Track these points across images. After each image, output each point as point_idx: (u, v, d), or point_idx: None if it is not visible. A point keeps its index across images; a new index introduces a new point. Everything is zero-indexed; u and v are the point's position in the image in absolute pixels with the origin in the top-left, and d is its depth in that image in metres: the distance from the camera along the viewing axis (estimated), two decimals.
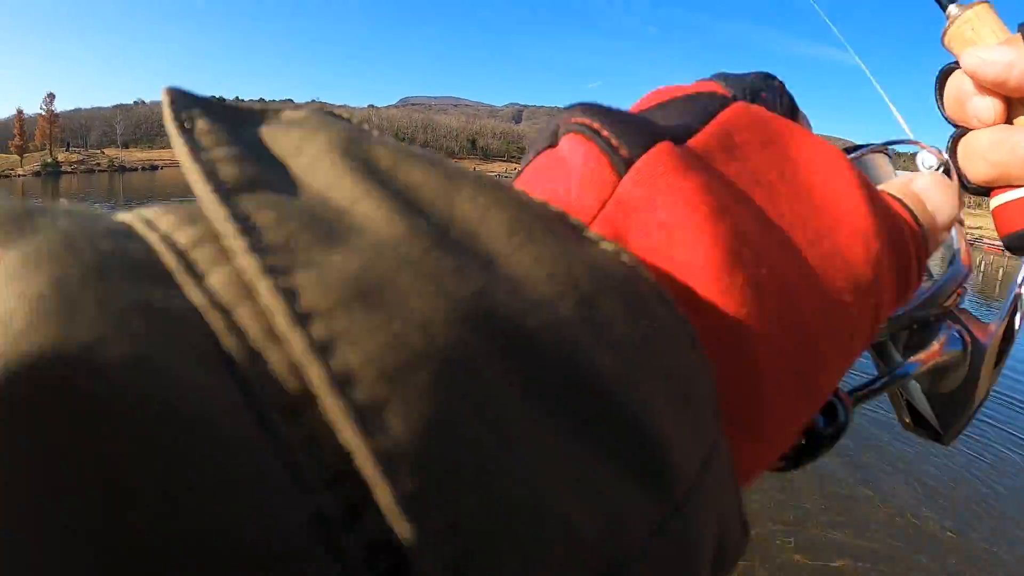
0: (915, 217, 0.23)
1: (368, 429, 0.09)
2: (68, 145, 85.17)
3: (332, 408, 0.09)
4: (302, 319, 0.09)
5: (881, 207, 0.21)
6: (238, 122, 0.13)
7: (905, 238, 0.22)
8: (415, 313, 0.10)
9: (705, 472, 0.14)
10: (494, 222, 0.12)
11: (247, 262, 0.09)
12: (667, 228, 0.16)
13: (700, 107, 0.20)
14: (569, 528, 0.10)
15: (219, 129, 0.12)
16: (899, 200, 0.23)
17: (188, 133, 0.12)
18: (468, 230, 0.12)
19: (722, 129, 0.19)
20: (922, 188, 0.24)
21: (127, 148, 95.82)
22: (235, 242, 0.10)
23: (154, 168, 73.36)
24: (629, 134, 0.17)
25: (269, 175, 0.11)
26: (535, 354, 0.11)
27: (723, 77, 0.22)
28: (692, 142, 0.18)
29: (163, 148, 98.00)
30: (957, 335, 0.39)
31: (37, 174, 58.92)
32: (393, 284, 0.10)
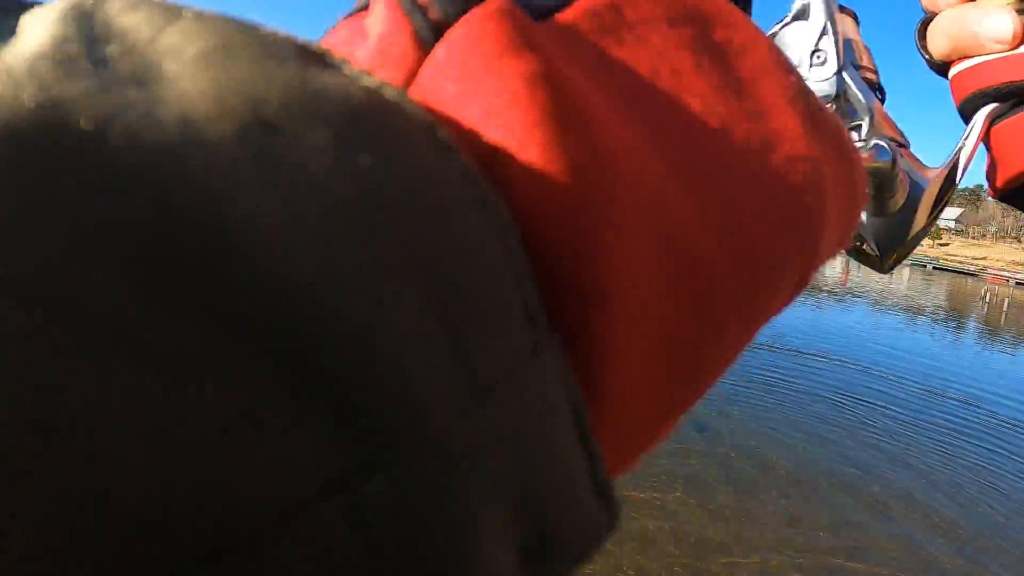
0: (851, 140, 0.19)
1: None
2: None
3: None
4: None
5: (827, 121, 0.17)
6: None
7: (855, 161, 0.19)
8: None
9: (474, 413, 0.10)
10: (190, 49, 0.10)
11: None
12: (484, 123, 0.12)
13: None
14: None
15: None
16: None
17: None
18: (150, 61, 0.10)
19: (607, 1, 0.15)
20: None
21: None
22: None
23: None
24: None
25: None
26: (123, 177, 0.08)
27: None
28: (560, 16, 0.14)
29: None
30: (886, 147, 0.42)
31: None
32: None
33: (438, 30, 0.12)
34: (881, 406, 9.44)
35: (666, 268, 0.13)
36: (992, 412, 9.62)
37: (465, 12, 0.12)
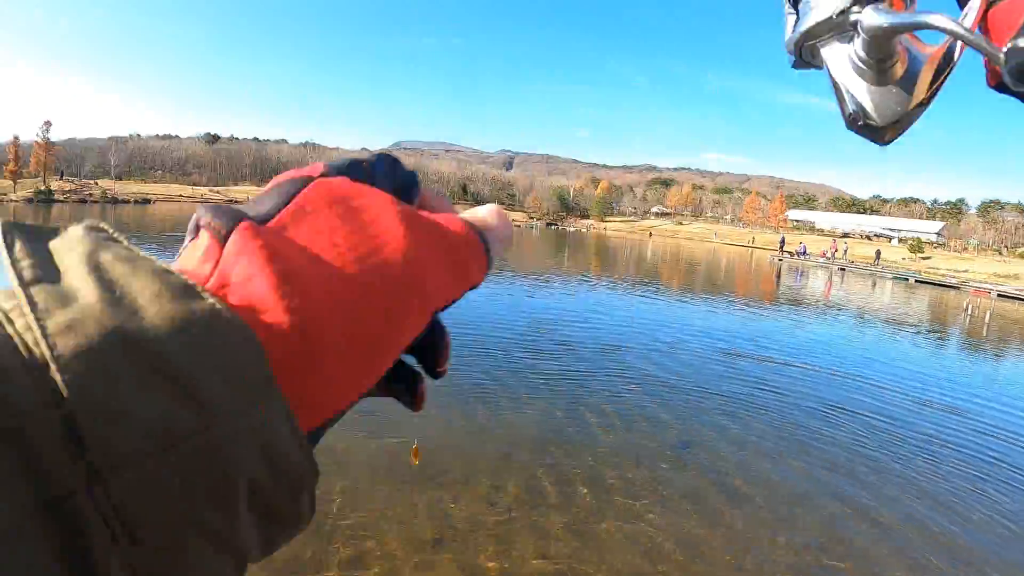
0: (476, 229, 0.34)
1: (51, 352, 0.19)
2: (62, 174, 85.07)
3: (43, 353, 0.19)
4: (43, 329, 0.19)
5: (427, 227, 0.31)
6: (40, 237, 0.24)
7: (458, 244, 0.32)
8: (89, 330, 0.20)
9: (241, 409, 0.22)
10: (146, 289, 0.22)
11: (26, 313, 0.20)
12: (247, 273, 0.25)
13: (285, 191, 0.29)
14: None
15: (26, 245, 0.23)
16: (465, 220, 0.34)
17: (9, 248, 0.23)
18: (134, 292, 0.22)
19: (297, 205, 0.29)
20: (482, 214, 0.35)
21: (120, 180, 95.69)
22: (24, 307, 0.20)
23: (147, 202, 72.21)
24: (226, 220, 0.26)
25: (46, 272, 0.22)
26: (149, 345, 0.20)
27: (328, 164, 0.32)
28: (272, 222, 0.28)
29: (156, 182, 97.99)
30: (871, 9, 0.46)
31: (30, 200, 58.13)
32: (83, 321, 0.20)
33: (225, 237, 0.25)
34: (865, 415, 9.63)
35: (342, 299, 0.26)
36: (978, 420, 9.75)
37: (235, 228, 0.25)
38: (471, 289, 0.33)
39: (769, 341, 14.75)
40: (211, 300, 0.23)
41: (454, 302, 0.32)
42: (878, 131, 0.50)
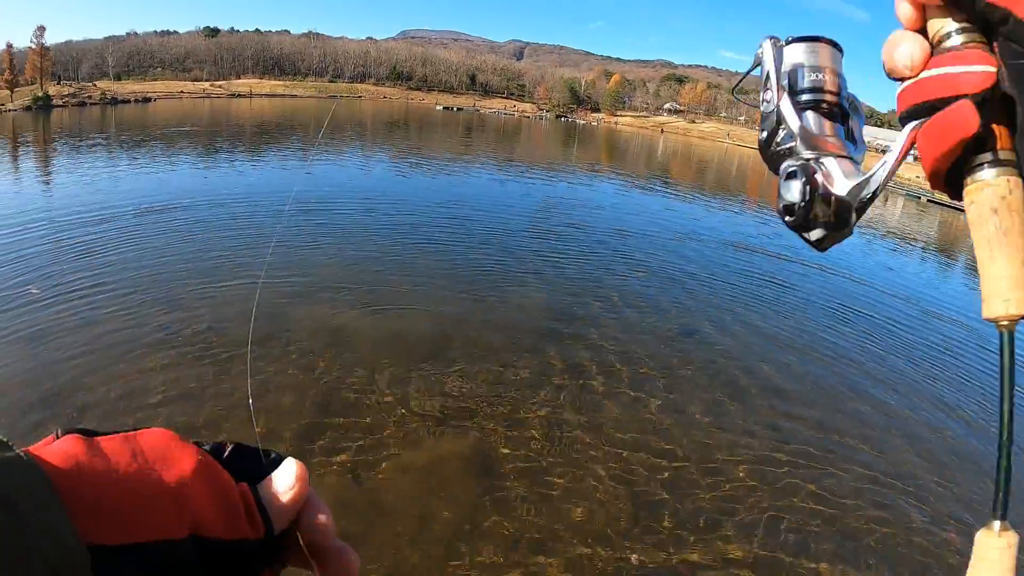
0: (255, 490, 0.40)
1: None
2: (59, 78, 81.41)
3: None
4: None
5: (207, 473, 0.38)
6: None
7: (231, 492, 0.38)
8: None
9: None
10: None
11: None
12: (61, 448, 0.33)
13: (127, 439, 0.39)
14: None
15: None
16: (244, 491, 0.39)
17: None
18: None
19: (128, 436, 0.36)
20: (275, 481, 0.40)
21: (119, 80, 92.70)
22: None
23: (147, 100, 69.97)
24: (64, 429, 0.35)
25: None
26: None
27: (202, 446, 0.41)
28: (100, 439, 0.35)
29: (156, 80, 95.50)
30: (796, 170, 0.51)
31: (28, 108, 54.49)
32: None
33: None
34: (873, 316, 9.75)
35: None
36: (982, 336, 9.68)
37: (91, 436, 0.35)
38: (248, 541, 0.38)
39: (780, 239, 14.62)
40: (17, 452, 0.30)
41: (231, 541, 0.37)
42: (815, 244, 0.53)
